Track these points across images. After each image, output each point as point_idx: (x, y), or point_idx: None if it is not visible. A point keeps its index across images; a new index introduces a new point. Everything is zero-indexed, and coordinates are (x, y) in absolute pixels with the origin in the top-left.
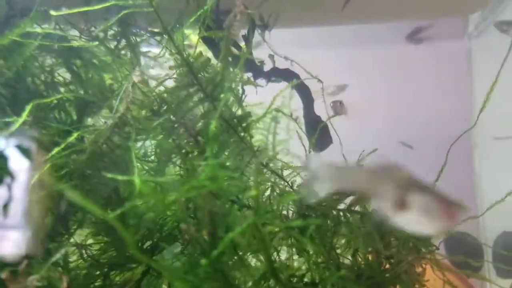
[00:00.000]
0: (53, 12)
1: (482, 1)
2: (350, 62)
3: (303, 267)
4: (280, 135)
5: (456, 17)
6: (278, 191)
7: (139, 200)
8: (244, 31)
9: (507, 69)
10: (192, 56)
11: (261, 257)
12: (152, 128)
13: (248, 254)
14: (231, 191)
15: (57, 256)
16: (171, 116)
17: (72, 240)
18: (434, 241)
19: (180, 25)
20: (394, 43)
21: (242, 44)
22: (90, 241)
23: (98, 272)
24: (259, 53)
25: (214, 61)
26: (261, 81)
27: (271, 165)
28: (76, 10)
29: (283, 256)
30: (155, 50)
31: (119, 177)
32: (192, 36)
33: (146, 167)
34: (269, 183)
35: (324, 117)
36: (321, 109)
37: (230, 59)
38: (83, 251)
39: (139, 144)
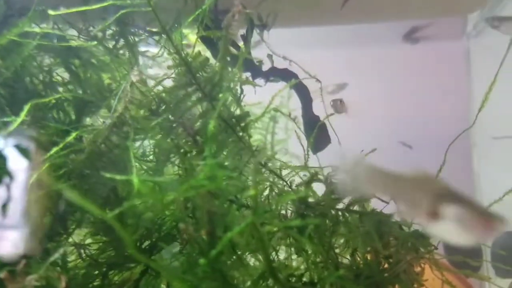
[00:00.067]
0: (51, 12)
1: (481, 1)
2: (349, 62)
3: (302, 267)
4: (279, 134)
5: (455, 17)
6: (276, 190)
7: (137, 199)
8: (242, 31)
9: (506, 68)
10: (191, 56)
11: (260, 257)
12: (151, 127)
13: (247, 253)
14: (230, 190)
15: (56, 255)
16: (170, 116)
17: (70, 239)
18: (433, 241)
19: (178, 24)
20: (393, 43)
21: (241, 43)
22: (88, 240)
23: (96, 272)
24: (258, 53)
25: (212, 60)
26: (259, 81)
27: (269, 164)
28: (74, 10)
29: (282, 255)
30: (154, 50)
31: (118, 177)
32: (191, 35)
33: (145, 167)
34: (268, 183)
35: (322, 117)
36: (320, 108)
37: (228, 58)
38: (82, 251)
39: (137, 143)
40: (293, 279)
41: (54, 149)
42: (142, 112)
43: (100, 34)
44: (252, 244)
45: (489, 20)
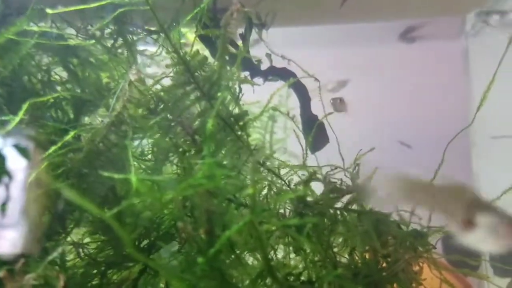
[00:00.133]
0: (49, 10)
1: (480, 0)
2: (347, 61)
3: (300, 266)
4: (277, 133)
5: (453, 16)
6: (275, 189)
7: (136, 198)
8: (241, 30)
9: (505, 68)
10: (189, 55)
11: (258, 256)
12: (149, 126)
13: (245, 252)
14: (228, 189)
15: (54, 254)
16: (168, 115)
17: (69, 238)
18: (431, 240)
19: (176, 23)
20: (391, 42)
21: (239, 42)
22: (87, 239)
23: (95, 271)
24: (256, 52)
25: (211, 59)
26: (258, 80)
27: (268, 163)
28: (72, 8)
29: (280, 254)
30: (152, 49)
31: (116, 176)
32: (189, 34)
33: (143, 166)
34: (266, 182)
35: (321, 116)
36: (319, 107)
37: (227, 57)
38: (80, 250)
39: (136, 142)
40: (291, 278)
41: (53, 148)
42: (140, 111)
43: (98, 33)
44: (251, 243)
45: (478, 15)
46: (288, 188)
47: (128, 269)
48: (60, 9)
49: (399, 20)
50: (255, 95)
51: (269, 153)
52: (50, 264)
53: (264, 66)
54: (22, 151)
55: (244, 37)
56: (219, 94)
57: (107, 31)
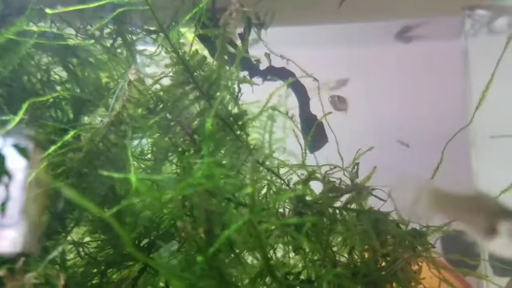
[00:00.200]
0: (48, 10)
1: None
2: (346, 60)
3: (299, 265)
4: (276, 133)
5: (452, 16)
6: (274, 189)
7: (135, 198)
8: (240, 29)
9: (503, 67)
10: (188, 54)
11: (258, 255)
12: (148, 126)
13: (245, 251)
14: (227, 189)
15: (54, 254)
16: (167, 114)
17: (69, 238)
18: (431, 239)
19: (175, 23)
20: (390, 42)
21: (238, 42)
22: (87, 239)
23: (95, 270)
24: (255, 52)
25: (210, 59)
26: (257, 80)
27: (267, 163)
28: (71, 8)
29: (279, 253)
30: (151, 48)
31: (116, 175)
32: (188, 34)
33: (143, 165)
34: (265, 181)
35: (320, 116)
36: (318, 107)
37: (226, 57)
38: (80, 249)
39: (135, 142)
40: (291, 277)
41: (52, 148)
42: (140, 110)
43: (97, 33)
44: (250, 242)
45: (465, 8)
46: (287, 188)
47: (128, 268)
48: (60, 9)
49: (398, 20)
50: (254, 95)
51: (268, 153)
52: (50, 263)
53: (263, 65)
54: (22, 151)
55: (243, 37)
56: (218, 93)
57: (107, 31)
